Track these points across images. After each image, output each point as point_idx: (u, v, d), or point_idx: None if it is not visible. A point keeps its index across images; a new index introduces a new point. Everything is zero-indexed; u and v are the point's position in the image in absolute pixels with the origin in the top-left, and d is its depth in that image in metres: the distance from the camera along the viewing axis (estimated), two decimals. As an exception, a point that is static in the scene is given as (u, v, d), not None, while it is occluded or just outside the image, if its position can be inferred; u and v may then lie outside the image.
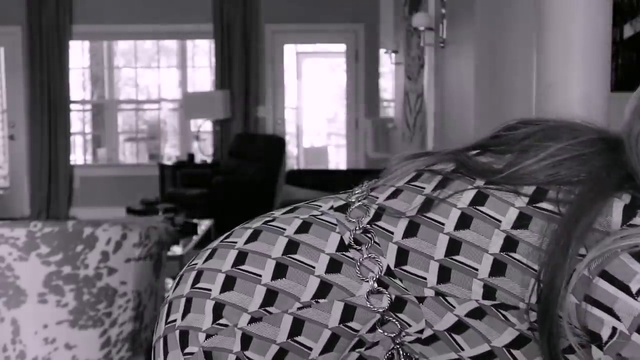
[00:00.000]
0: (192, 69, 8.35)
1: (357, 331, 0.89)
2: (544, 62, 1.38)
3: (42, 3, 7.55)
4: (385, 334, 0.88)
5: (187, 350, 0.91)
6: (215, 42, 7.68)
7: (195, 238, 4.20)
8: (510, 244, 0.82)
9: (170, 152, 8.55)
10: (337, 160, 9.57)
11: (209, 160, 7.71)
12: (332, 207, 0.97)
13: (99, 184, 7.93)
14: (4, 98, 7.96)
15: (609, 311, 0.76)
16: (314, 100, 9.44)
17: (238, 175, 6.89)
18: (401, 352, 0.90)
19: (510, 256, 0.82)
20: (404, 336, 0.88)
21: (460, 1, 3.15)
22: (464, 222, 0.85)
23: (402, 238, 0.88)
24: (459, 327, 0.85)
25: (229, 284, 0.92)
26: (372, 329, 0.89)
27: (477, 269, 0.83)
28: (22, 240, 2.35)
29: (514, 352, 0.85)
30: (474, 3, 2.80)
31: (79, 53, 8.14)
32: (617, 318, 0.75)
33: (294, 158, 8.79)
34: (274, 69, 7.86)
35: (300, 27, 7.76)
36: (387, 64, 6.34)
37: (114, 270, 2.43)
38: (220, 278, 0.93)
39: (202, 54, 8.37)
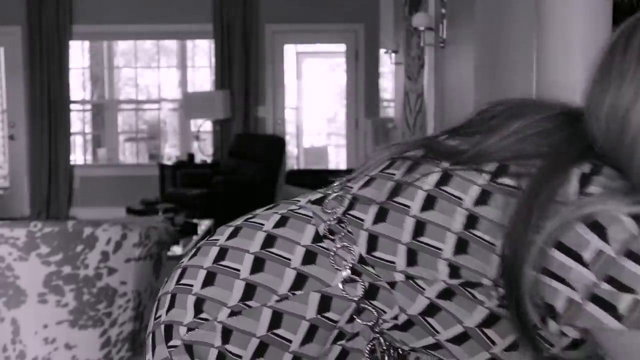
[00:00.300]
0: (192, 69, 8.35)
1: (335, 322, 0.89)
2: (544, 62, 1.38)
3: (42, 3, 7.55)
4: (363, 323, 0.89)
5: (170, 344, 0.94)
6: (215, 42, 7.68)
7: (195, 238, 4.20)
8: (471, 222, 0.82)
9: (170, 152, 8.55)
10: (337, 160, 9.56)
11: (209, 160, 7.70)
12: (309, 201, 0.98)
13: (99, 184, 7.93)
14: (4, 98, 7.96)
15: (563, 282, 0.76)
16: (314, 100, 9.44)
17: (238, 175, 6.88)
18: (382, 342, 0.90)
19: (472, 233, 0.82)
20: (381, 324, 0.89)
21: (460, 1, 3.15)
22: (429, 203, 0.86)
23: (372, 224, 0.89)
24: (431, 309, 0.86)
25: (209, 280, 0.94)
26: (351, 320, 0.89)
27: (441, 249, 0.84)
28: (22, 240, 2.35)
29: (487, 331, 0.85)
30: (474, 3, 2.80)
31: (79, 53, 8.13)
32: (572, 288, 0.76)
33: (294, 158, 8.78)
34: (274, 69, 7.86)
35: (300, 27, 7.75)
36: (387, 64, 6.34)
37: (114, 270, 2.43)
38: (202, 274, 0.95)
39: (202, 54, 8.37)
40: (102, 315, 2.45)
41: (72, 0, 7.63)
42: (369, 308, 0.88)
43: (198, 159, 7.70)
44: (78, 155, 8.29)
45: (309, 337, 0.89)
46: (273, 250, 0.93)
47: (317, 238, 0.92)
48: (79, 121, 8.37)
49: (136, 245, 2.46)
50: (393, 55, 5.74)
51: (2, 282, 2.39)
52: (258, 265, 0.92)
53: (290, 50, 8.54)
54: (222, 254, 0.96)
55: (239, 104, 7.60)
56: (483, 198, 0.83)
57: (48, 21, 7.58)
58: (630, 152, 0.78)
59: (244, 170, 6.92)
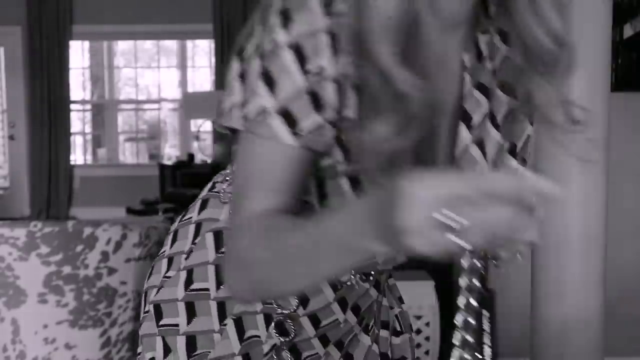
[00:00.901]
0: (192, 69, 8.34)
1: None
2: (544, 62, 1.38)
3: (42, 3, 7.55)
4: None
5: (138, 350, 0.97)
6: (215, 42, 7.68)
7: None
8: None
9: (170, 152, 8.55)
10: (337, 160, 9.56)
11: (209, 160, 7.70)
12: None
13: (99, 184, 7.92)
14: (4, 98, 7.96)
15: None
16: (314, 100, 9.43)
17: (238, 175, 6.87)
18: None
19: None
20: None
21: (460, 1, 3.14)
22: None
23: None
24: None
25: (151, 270, 1.01)
26: None
27: None
28: (22, 240, 2.35)
29: None
30: (474, 3, 2.80)
31: (79, 53, 8.13)
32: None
33: (294, 158, 8.78)
34: (274, 69, 7.85)
35: (300, 27, 7.75)
36: (387, 64, 6.34)
37: (114, 270, 2.43)
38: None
39: (202, 54, 8.37)
40: (102, 315, 2.45)
41: (72, 0, 7.63)
42: None
43: (198, 159, 7.70)
44: (78, 155, 8.29)
45: (220, 279, 0.89)
46: (185, 217, 0.97)
47: (212, 187, 0.97)
48: (79, 121, 8.37)
49: (136, 245, 2.46)
50: (393, 55, 5.73)
51: (2, 282, 2.39)
52: (174, 237, 0.96)
53: (290, 50, 8.54)
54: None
55: (239, 104, 7.59)
56: None
57: (48, 21, 7.58)
58: None
59: (244, 170, 6.90)
